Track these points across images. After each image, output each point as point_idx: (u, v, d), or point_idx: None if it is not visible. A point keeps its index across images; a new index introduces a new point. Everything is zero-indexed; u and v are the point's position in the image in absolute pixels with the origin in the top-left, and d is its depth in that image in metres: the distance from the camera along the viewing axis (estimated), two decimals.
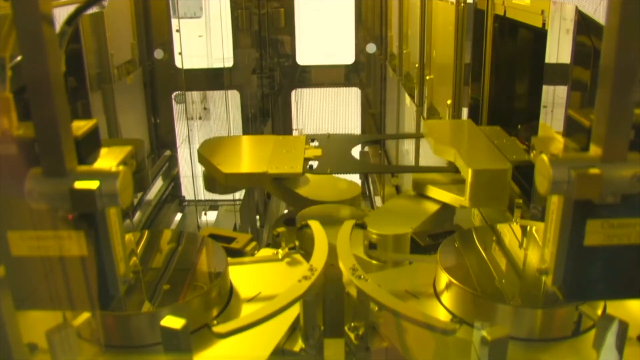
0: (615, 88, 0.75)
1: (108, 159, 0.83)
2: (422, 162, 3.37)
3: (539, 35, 1.87)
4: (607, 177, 0.78)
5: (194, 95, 5.79)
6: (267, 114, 4.36)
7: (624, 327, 0.96)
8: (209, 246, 1.38)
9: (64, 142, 0.75)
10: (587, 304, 1.13)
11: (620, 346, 0.96)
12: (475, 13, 2.35)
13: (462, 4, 2.39)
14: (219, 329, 1.02)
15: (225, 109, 4.35)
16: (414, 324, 1.08)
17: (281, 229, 1.44)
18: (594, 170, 0.77)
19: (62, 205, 0.77)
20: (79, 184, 0.75)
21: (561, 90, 1.82)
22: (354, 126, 4.94)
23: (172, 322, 0.93)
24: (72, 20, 0.77)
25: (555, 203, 0.89)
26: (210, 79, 4.40)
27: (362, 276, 1.15)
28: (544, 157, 0.79)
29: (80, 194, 0.75)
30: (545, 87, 1.76)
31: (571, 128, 0.88)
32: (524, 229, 1.45)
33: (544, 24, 1.74)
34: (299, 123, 4.68)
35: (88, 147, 0.85)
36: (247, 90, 4.31)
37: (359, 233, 1.54)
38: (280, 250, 1.44)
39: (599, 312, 1.15)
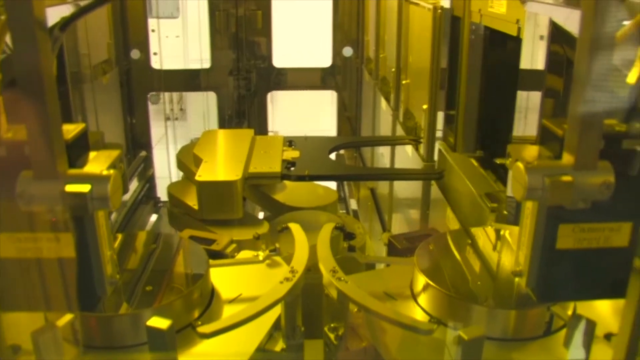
0: (587, 100, 0.79)
1: (97, 163, 0.85)
2: (398, 166, 3.41)
3: (514, 43, 1.93)
4: (579, 184, 0.82)
5: (170, 96, 5.77)
6: (243, 116, 4.37)
7: (592, 326, 1.01)
8: (190, 248, 1.40)
9: (56, 145, 0.77)
10: (558, 305, 1.17)
11: (588, 344, 1.01)
12: (451, 19, 2.41)
13: (439, 11, 2.44)
14: (203, 329, 1.04)
15: (202, 110, 4.35)
16: (393, 324, 1.11)
17: (261, 231, 1.46)
18: (567, 178, 0.81)
19: (53, 207, 0.78)
20: (71, 187, 0.77)
21: (534, 96, 1.87)
22: (329, 129, 4.98)
23: (158, 322, 0.95)
24: (65, 26, 0.78)
25: (529, 208, 0.93)
26: (187, 80, 4.40)
27: (342, 278, 1.18)
28: (520, 164, 0.83)
29: (72, 197, 0.77)
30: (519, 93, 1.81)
31: (545, 136, 0.92)
32: (497, 232, 1.49)
33: (519, 33, 1.79)
34: (274, 125, 4.70)
35: (77, 150, 0.86)
36: (224, 92, 4.32)
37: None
38: (260, 253, 1.46)
39: (570, 312, 1.19)
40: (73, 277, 0.91)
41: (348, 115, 4.89)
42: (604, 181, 0.82)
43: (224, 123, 4.28)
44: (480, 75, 2.41)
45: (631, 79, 0.92)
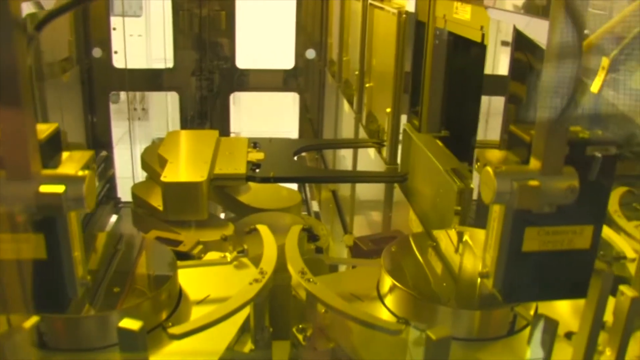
0: (553, 109, 0.82)
1: (71, 164, 0.84)
2: (360, 168, 3.45)
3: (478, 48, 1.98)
4: (546, 189, 0.85)
5: (133, 95, 5.69)
6: (205, 117, 4.35)
7: (554, 325, 1.05)
8: (157, 249, 1.39)
9: (30, 146, 0.76)
10: (521, 305, 1.21)
11: (551, 343, 1.05)
12: (416, 24, 2.45)
13: (404, 16, 2.48)
14: (174, 330, 1.04)
15: (164, 110, 4.31)
16: (362, 325, 1.13)
17: (227, 233, 1.46)
18: (534, 182, 0.84)
19: (26, 208, 0.77)
20: (45, 188, 0.76)
21: (495, 101, 1.92)
22: (291, 131, 4.99)
23: (130, 323, 0.94)
24: (41, 25, 0.77)
25: (496, 212, 0.96)
26: (149, 80, 4.34)
27: (311, 279, 1.19)
28: (489, 169, 0.86)
29: (47, 198, 0.76)
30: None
31: (512, 142, 0.96)
32: (460, 235, 1.53)
33: (483, 39, 1.83)
34: (236, 126, 4.68)
35: (50, 151, 0.85)
36: (186, 92, 4.28)
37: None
38: (227, 254, 1.46)
39: (532, 312, 1.23)
40: (42, 278, 0.90)
41: (310, 117, 4.91)
42: (569, 186, 0.86)
43: (186, 123, 4.25)
44: (444, 80, 2.45)
45: (594, 88, 0.96)
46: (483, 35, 1.87)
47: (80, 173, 0.78)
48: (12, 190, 0.77)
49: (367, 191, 3.39)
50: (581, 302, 1.28)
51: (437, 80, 2.41)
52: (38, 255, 0.87)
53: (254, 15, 4.56)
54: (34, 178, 0.77)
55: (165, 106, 4.29)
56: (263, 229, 1.39)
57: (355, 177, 2.62)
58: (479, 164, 0.95)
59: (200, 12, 4.06)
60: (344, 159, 4.28)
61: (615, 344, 1.10)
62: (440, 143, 2.17)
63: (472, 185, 1.71)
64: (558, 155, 0.85)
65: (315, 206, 4.42)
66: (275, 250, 1.30)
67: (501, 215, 0.94)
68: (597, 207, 0.95)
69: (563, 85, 0.83)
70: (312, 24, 4.50)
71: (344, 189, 3.94)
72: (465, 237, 1.48)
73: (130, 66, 4.25)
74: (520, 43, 1.57)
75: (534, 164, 0.87)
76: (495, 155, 0.95)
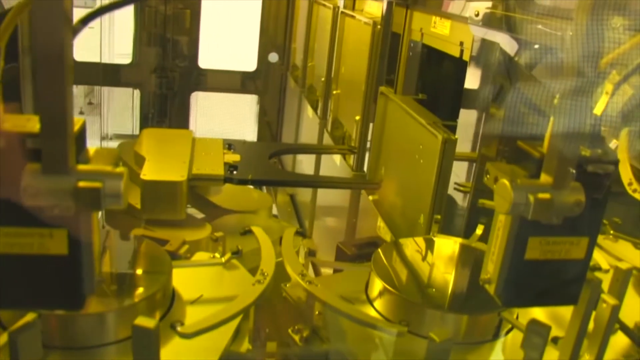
0: (567, 129, 0.89)
1: (102, 160, 0.84)
2: (323, 173, 3.49)
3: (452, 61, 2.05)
4: (556, 202, 0.91)
5: (76, 89, 5.53)
6: (165, 115, 4.30)
7: (547, 330, 1.11)
8: (150, 248, 1.38)
9: (70, 139, 0.76)
10: (507, 311, 1.27)
11: (543, 346, 1.11)
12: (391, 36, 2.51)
13: (379, 27, 2.53)
14: (184, 329, 1.05)
15: (119, 107, 4.22)
16: (365, 326, 1.16)
17: (219, 234, 1.47)
18: (546, 195, 0.90)
19: (62, 203, 0.77)
20: (84, 183, 0.76)
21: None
22: (250, 133, 4.99)
23: (145, 321, 0.95)
24: (88, 20, 0.77)
25: (501, 222, 1.01)
26: (108, 75, 4.25)
27: (312, 281, 1.22)
28: (506, 181, 0.91)
29: (85, 193, 0.76)
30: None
31: (520, 157, 1.01)
32: (441, 242, 1.59)
33: (461, 54, 1.90)
34: (195, 126, 4.65)
35: (78, 146, 0.85)
36: (146, 89, 4.22)
37: None
38: (217, 254, 1.47)
39: (514, 317, 1.30)
40: (59, 275, 0.89)
41: (268, 120, 4.92)
42: (576, 200, 0.92)
43: (146, 121, 4.19)
44: (415, 92, 2.52)
45: (598, 110, 1.03)
46: (462, 51, 1.95)
47: (118, 170, 0.79)
48: (49, 185, 0.76)
49: (327, 196, 3.43)
50: (557, 308, 1.37)
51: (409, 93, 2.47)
52: (59, 250, 0.86)
53: (219, 15, 4.54)
54: (71, 173, 0.77)
55: (120, 103, 4.20)
56: (258, 231, 1.40)
57: (335, 183, 2.65)
58: (489, 176, 1.01)
59: (165, 10, 4.02)
60: (301, 163, 4.31)
61: (594, 349, 1.18)
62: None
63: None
64: (568, 171, 0.91)
65: (274, 210, 4.43)
66: (273, 251, 1.32)
67: (507, 226, 1.00)
68: (593, 220, 1.01)
69: (577, 105, 0.89)
70: (275, 28, 4.52)
71: (303, 193, 3.97)
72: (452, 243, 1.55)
73: (83, 59, 4.14)
74: (503, 64, 1.64)
75: (545, 178, 0.92)
76: (504, 168, 1.00)
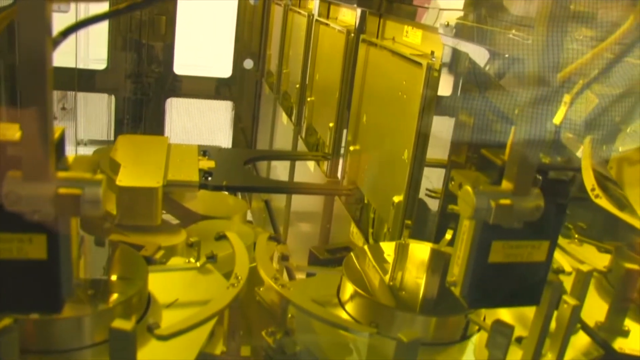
0: (526, 136, 0.94)
1: (81, 167, 0.86)
2: (297, 179, 3.52)
3: None
4: (516, 207, 0.96)
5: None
6: (140, 120, 4.29)
7: (510, 330, 1.16)
8: (126, 253, 1.41)
9: (50, 146, 0.78)
10: (474, 312, 1.32)
11: (507, 346, 1.16)
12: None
13: (352, 35, 2.58)
14: (161, 331, 1.07)
15: (93, 112, 4.21)
16: (337, 328, 1.20)
17: (194, 239, 1.50)
18: (507, 201, 0.95)
19: (43, 209, 0.79)
20: (63, 190, 0.79)
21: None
22: (225, 139, 5.00)
23: (122, 324, 0.97)
24: (68, 32, 0.80)
25: (466, 226, 1.06)
26: (82, 80, 4.24)
27: (285, 285, 1.26)
28: (469, 188, 0.95)
29: (64, 200, 0.79)
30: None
31: (483, 164, 1.06)
32: (407, 246, 1.63)
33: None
34: (170, 132, 4.65)
35: (58, 153, 0.87)
36: (121, 95, 4.22)
37: None
38: (192, 259, 1.49)
39: (482, 318, 1.35)
40: (38, 279, 0.91)
41: (242, 126, 4.94)
42: (536, 205, 0.97)
43: (121, 127, 4.18)
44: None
45: (557, 119, 1.09)
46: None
47: (97, 177, 0.81)
48: (30, 191, 0.79)
49: (301, 203, 3.47)
50: (521, 309, 1.43)
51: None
52: (38, 255, 0.88)
53: (195, 22, 4.55)
54: (52, 180, 0.80)
55: (96, 108, 4.19)
56: (232, 236, 1.43)
57: (310, 189, 2.69)
58: (453, 182, 1.05)
59: (141, 15, 4.02)
60: (275, 169, 4.34)
61: (556, 348, 1.24)
62: None
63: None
64: (528, 178, 0.96)
65: (249, 216, 4.45)
66: (247, 256, 1.35)
67: (471, 230, 1.04)
68: (554, 224, 1.07)
69: (537, 114, 0.94)
70: (251, 34, 4.55)
71: (277, 199, 4.00)
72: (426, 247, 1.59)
73: (58, 64, 4.12)
74: (472, 74, 1.70)
75: (506, 185, 0.97)
76: (468, 175, 1.05)
